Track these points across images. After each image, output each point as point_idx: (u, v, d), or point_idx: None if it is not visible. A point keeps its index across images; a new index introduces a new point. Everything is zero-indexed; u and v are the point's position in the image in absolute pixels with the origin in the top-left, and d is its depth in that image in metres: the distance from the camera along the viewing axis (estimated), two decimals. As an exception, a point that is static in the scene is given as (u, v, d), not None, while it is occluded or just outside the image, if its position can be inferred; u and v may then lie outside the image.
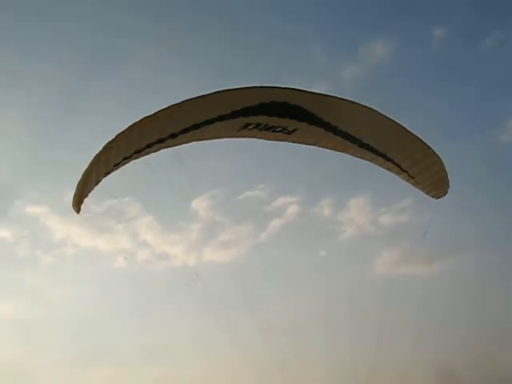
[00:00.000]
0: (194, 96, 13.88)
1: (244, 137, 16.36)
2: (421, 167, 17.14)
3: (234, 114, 15.00)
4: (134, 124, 13.78)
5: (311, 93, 15.27)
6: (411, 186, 18.04)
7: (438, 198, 17.89)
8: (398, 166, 17.37)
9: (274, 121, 15.65)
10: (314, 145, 17.07)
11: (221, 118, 14.93)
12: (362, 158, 17.48)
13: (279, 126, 15.92)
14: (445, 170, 17.12)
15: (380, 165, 17.57)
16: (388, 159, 17.22)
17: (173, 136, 14.72)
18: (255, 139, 16.41)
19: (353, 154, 17.38)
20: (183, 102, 13.91)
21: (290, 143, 16.91)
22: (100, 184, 14.69)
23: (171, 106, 13.94)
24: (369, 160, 17.54)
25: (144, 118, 13.83)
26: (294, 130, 16.12)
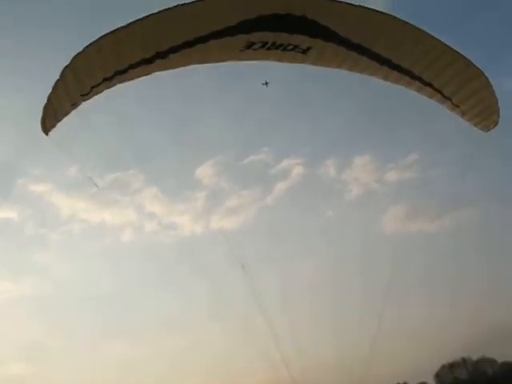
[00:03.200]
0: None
1: (251, 59, 14.28)
2: (466, 93, 14.23)
3: (231, 31, 12.94)
4: (105, 36, 11.98)
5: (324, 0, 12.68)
6: (459, 118, 15.18)
7: (488, 130, 14.91)
8: (439, 91, 14.58)
9: (281, 37, 13.38)
10: (337, 67, 14.69)
11: (215, 35, 12.96)
12: (395, 82, 14.81)
13: (290, 44, 13.63)
14: (494, 95, 14.14)
15: (418, 90, 14.81)
16: (426, 83, 14.45)
17: (160, 55, 12.96)
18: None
19: (385, 78, 14.75)
20: (162, 10, 11.96)
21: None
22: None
23: (149, 15, 11.97)
24: (404, 85, 14.86)
25: (118, 30, 11.95)
26: (309, 48, 13.80)
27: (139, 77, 13.45)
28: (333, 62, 14.40)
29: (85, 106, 12.92)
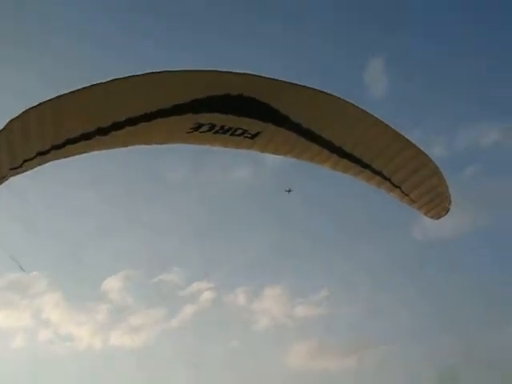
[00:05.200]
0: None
1: (197, 143, 13.46)
2: (415, 180, 14.03)
3: (179, 109, 12.11)
4: (46, 102, 10.58)
5: (276, 82, 12.01)
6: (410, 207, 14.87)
7: (439, 217, 14.65)
8: (388, 180, 14.29)
9: (231, 121, 12.67)
10: (285, 154, 14.14)
11: (162, 113, 12.06)
12: (344, 171, 14.43)
13: (239, 128, 12.93)
14: (445, 182, 14.00)
15: (367, 180, 14.46)
16: (376, 172, 14.15)
17: (102, 131, 11.72)
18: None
19: (333, 167, 14.32)
20: (110, 81, 10.83)
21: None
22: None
23: (95, 84, 10.80)
24: (352, 175, 14.49)
25: (60, 97, 10.64)
26: (258, 134, 13.14)
27: (77, 154, 12.11)
28: (281, 148, 13.83)
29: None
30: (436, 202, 14.25)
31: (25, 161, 11.20)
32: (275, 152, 13.98)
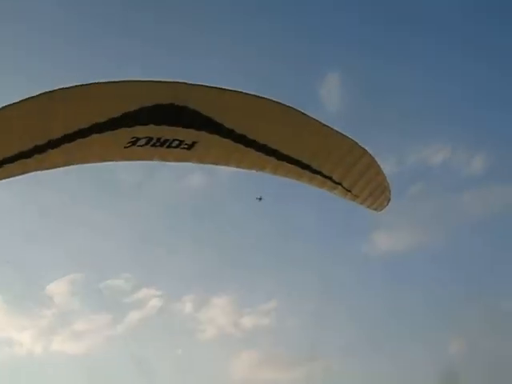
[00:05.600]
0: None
1: (136, 159, 13.70)
2: (354, 174, 14.43)
3: (114, 123, 12.37)
4: None
5: (204, 88, 12.32)
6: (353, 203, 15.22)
7: (382, 209, 15.01)
8: (329, 178, 14.63)
9: (165, 132, 12.92)
10: (225, 164, 14.42)
11: (96, 129, 12.30)
12: (285, 175, 14.75)
13: (175, 139, 13.19)
14: (382, 172, 14.43)
15: (309, 182, 14.81)
16: (315, 171, 14.49)
17: (38, 150, 11.93)
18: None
19: (273, 172, 14.64)
20: (44, 93, 11.03)
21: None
22: None
23: (30, 97, 10.96)
24: (294, 178, 14.80)
25: None
26: (194, 144, 13.40)
27: (17, 174, 12.23)
28: (219, 157, 14.10)
29: None
30: (377, 193, 14.64)
31: None
32: (215, 162, 14.25)
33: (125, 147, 12.99)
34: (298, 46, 39.10)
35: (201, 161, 14.06)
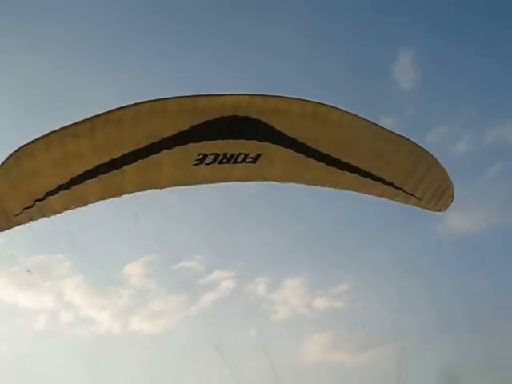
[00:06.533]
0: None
1: (205, 180, 13.83)
2: (416, 177, 14.41)
3: (182, 137, 12.70)
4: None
5: (264, 97, 12.55)
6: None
7: (447, 207, 14.79)
8: (390, 184, 14.59)
9: (230, 146, 13.11)
10: (289, 179, 14.47)
11: (166, 143, 12.66)
12: (347, 188, 14.76)
13: (240, 154, 13.32)
14: (444, 170, 14.39)
15: (369, 191, 14.74)
16: (376, 178, 14.43)
17: (115, 164, 12.38)
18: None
19: (335, 185, 14.64)
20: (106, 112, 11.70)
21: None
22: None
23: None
24: (355, 189, 14.76)
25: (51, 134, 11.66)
26: (259, 156, 13.55)
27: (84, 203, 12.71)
28: (284, 171, 14.08)
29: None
30: (440, 192, 14.52)
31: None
32: (280, 178, 14.28)
33: (194, 165, 13.17)
34: (372, 26, 39.87)
35: (266, 176, 14.11)
